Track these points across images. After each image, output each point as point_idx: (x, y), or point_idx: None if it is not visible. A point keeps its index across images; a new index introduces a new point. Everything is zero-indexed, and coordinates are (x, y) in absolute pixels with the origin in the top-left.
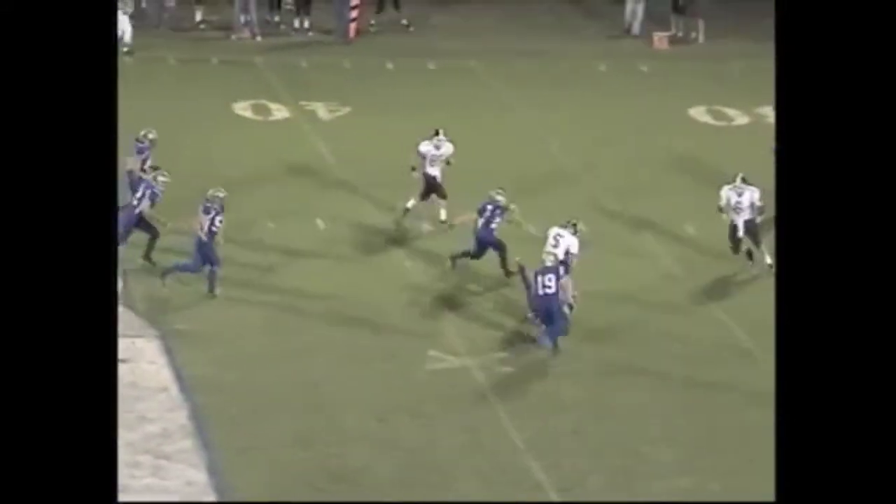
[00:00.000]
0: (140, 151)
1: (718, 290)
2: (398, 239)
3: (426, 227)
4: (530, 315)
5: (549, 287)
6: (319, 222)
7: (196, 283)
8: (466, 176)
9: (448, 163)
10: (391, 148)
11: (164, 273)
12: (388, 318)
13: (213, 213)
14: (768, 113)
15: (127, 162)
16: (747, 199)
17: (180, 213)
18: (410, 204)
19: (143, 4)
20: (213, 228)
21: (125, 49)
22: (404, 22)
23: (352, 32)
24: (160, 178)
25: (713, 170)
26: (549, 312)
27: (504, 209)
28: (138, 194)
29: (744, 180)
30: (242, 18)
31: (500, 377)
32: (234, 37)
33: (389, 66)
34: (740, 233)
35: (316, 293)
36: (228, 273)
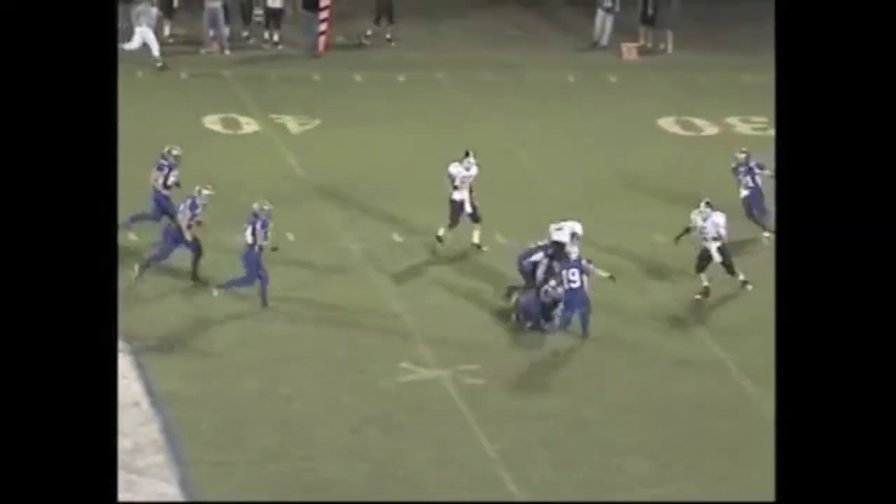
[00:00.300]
0: (160, 168)
1: (689, 300)
2: (368, 251)
3: (396, 238)
4: (514, 317)
5: (574, 281)
6: (290, 235)
7: (170, 297)
8: (434, 188)
9: (470, 189)
10: (361, 160)
11: (225, 288)
12: (358, 331)
13: (263, 224)
14: (737, 123)
15: (151, 177)
16: (711, 224)
17: (151, 227)
18: (476, 238)
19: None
20: (262, 241)
21: (158, 64)
22: (388, 36)
23: (321, 46)
24: (204, 192)
25: (682, 180)
26: (571, 305)
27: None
28: (181, 207)
29: (708, 205)
30: (211, 32)
31: (471, 388)
32: (203, 51)
33: (358, 78)
34: (716, 259)
35: (286, 306)
36: (195, 287)
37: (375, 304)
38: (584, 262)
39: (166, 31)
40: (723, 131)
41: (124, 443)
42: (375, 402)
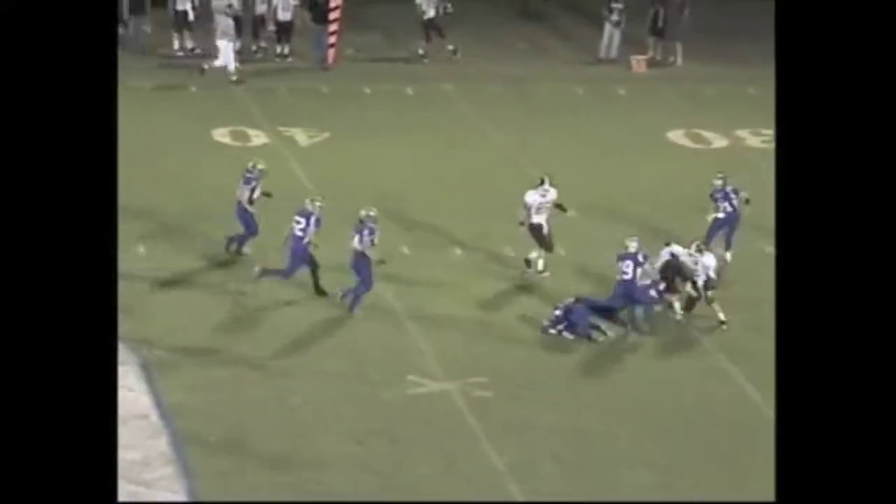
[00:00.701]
0: (247, 182)
1: (695, 313)
2: (376, 263)
3: (405, 250)
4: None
5: (626, 273)
6: None
7: (176, 309)
8: (442, 200)
9: (560, 207)
10: (369, 172)
11: (343, 296)
12: (366, 343)
13: (371, 231)
14: (746, 135)
15: (237, 193)
16: (702, 267)
17: (160, 240)
18: (541, 266)
19: (121, 31)
20: (372, 245)
21: (233, 78)
22: (451, 47)
23: (330, 58)
24: (317, 203)
25: (692, 193)
26: (629, 297)
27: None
28: (301, 224)
29: (699, 249)
30: None
31: (480, 401)
32: (214, 63)
33: (367, 90)
34: (697, 293)
35: (293, 318)
36: (206, 299)
37: (383, 316)
38: (640, 255)
39: (175, 44)
40: (732, 144)
41: (133, 455)
42: (382, 415)
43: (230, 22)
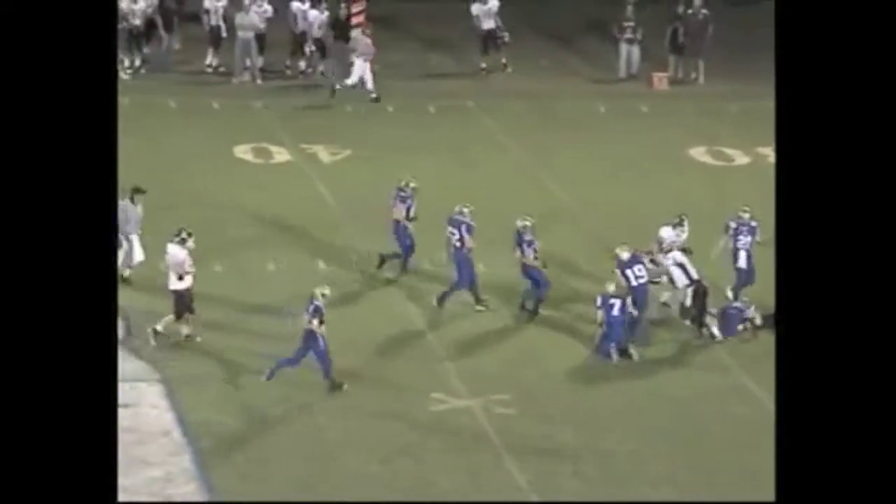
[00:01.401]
0: (403, 200)
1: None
2: (399, 280)
3: (427, 266)
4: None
5: (641, 276)
6: (321, 264)
7: (197, 327)
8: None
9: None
10: (392, 190)
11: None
12: (389, 360)
13: (532, 241)
14: (768, 153)
15: (393, 211)
16: (673, 261)
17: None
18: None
19: (146, 50)
20: (535, 254)
21: (373, 96)
22: (483, 65)
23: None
24: (465, 211)
25: (713, 210)
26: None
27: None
28: (457, 236)
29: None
30: (247, 62)
31: (502, 419)
32: (234, 80)
33: (389, 108)
34: (687, 302)
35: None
36: (227, 316)
37: (406, 334)
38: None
39: (208, 59)
40: (754, 161)
41: (155, 472)
42: (406, 432)
43: (368, 41)
